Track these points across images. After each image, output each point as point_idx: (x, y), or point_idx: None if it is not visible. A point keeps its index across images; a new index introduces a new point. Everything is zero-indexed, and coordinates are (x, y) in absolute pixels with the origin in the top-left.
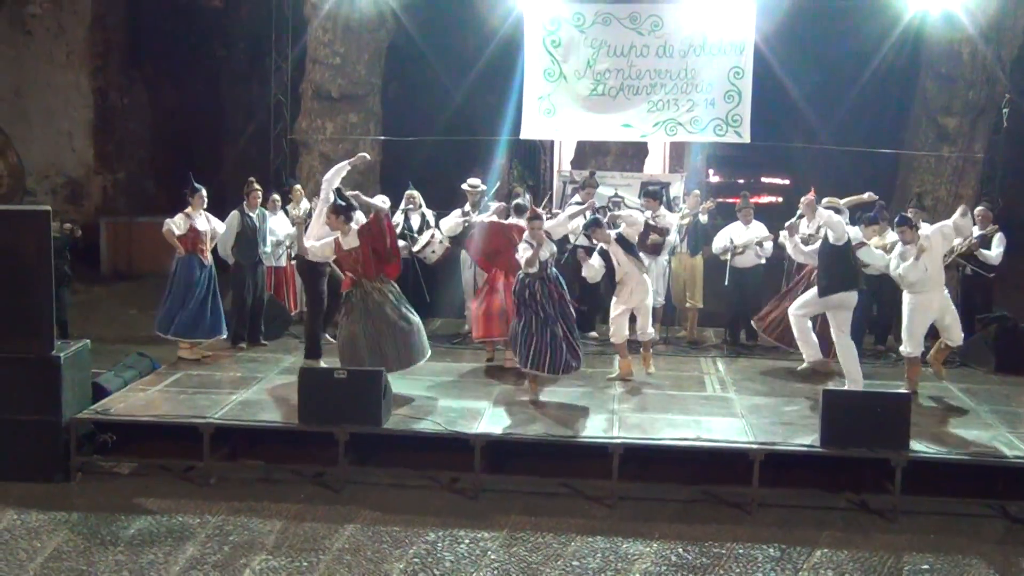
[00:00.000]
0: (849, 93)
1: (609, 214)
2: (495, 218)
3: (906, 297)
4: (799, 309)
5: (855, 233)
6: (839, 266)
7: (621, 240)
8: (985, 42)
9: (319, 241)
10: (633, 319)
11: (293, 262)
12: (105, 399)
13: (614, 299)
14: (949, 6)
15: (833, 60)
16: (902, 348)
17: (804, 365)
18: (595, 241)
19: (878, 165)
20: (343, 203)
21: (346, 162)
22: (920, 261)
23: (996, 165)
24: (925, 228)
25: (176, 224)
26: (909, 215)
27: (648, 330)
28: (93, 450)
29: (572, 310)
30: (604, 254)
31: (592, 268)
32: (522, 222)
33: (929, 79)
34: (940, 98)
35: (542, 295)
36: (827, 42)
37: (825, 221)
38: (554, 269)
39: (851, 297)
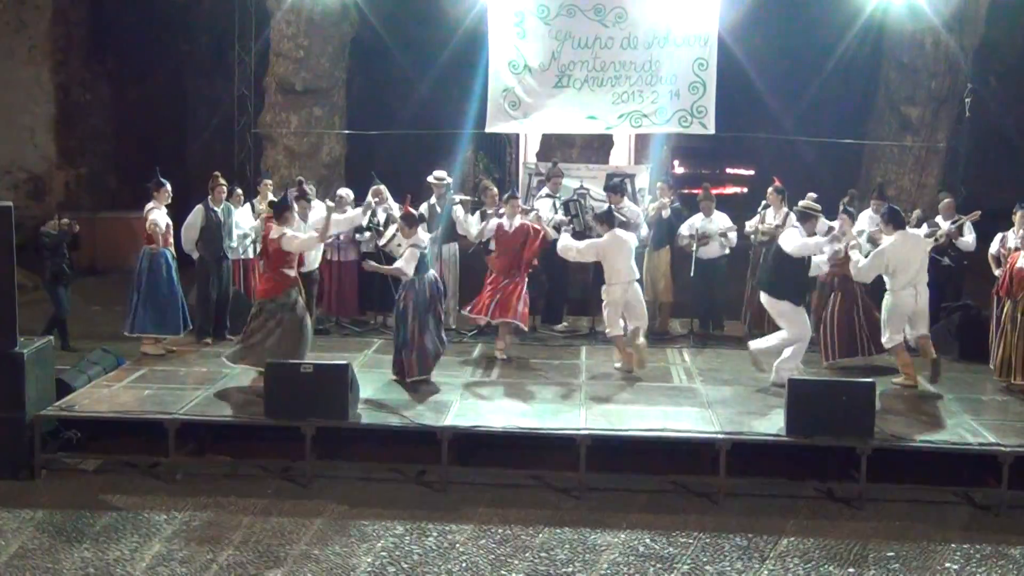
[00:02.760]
0: (813, 84)
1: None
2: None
3: (891, 294)
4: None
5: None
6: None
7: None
8: (947, 32)
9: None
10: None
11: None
12: (69, 395)
13: (604, 299)
14: None
15: (797, 51)
16: (884, 340)
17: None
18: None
19: (842, 155)
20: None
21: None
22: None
23: (959, 154)
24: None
25: (162, 219)
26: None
27: (643, 317)
28: (58, 447)
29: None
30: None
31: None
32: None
33: (892, 69)
34: (903, 88)
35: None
36: (791, 33)
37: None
38: (432, 272)
39: (781, 305)
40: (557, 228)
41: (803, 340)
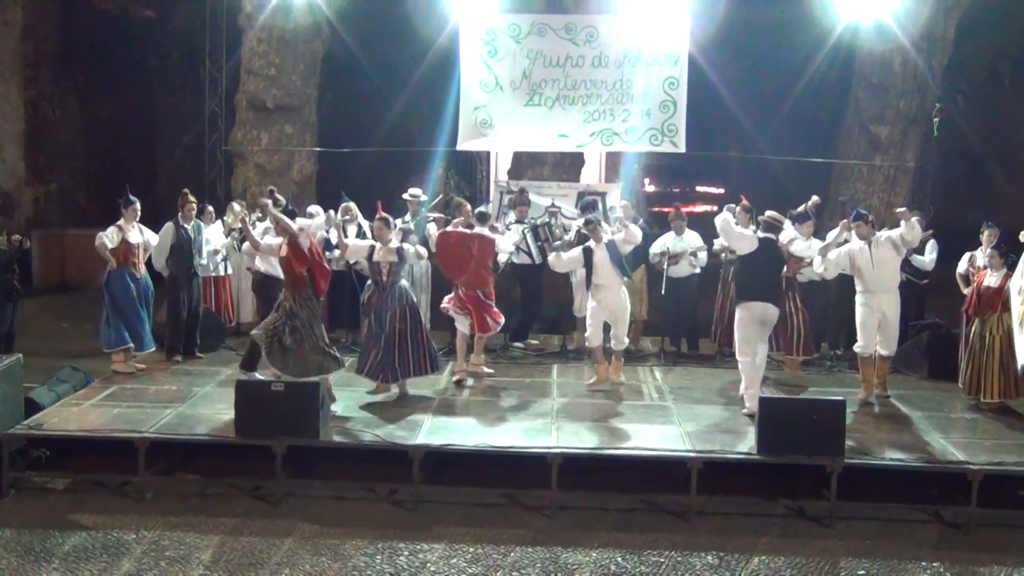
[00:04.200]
0: (783, 103)
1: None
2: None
3: (858, 297)
4: (745, 348)
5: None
6: (762, 277)
7: (611, 246)
8: (916, 52)
9: (274, 240)
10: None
11: (230, 273)
12: (38, 414)
13: (590, 304)
14: (881, 16)
15: (767, 70)
16: (856, 346)
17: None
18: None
19: (812, 174)
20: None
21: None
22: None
23: (927, 173)
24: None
25: (108, 237)
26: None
27: (623, 339)
28: (26, 466)
29: (414, 325)
30: (587, 253)
31: (562, 260)
32: (485, 230)
33: (861, 89)
34: (872, 107)
35: (379, 307)
36: (761, 53)
37: (720, 228)
38: (404, 282)
39: (772, 310)
40: (528, 252)
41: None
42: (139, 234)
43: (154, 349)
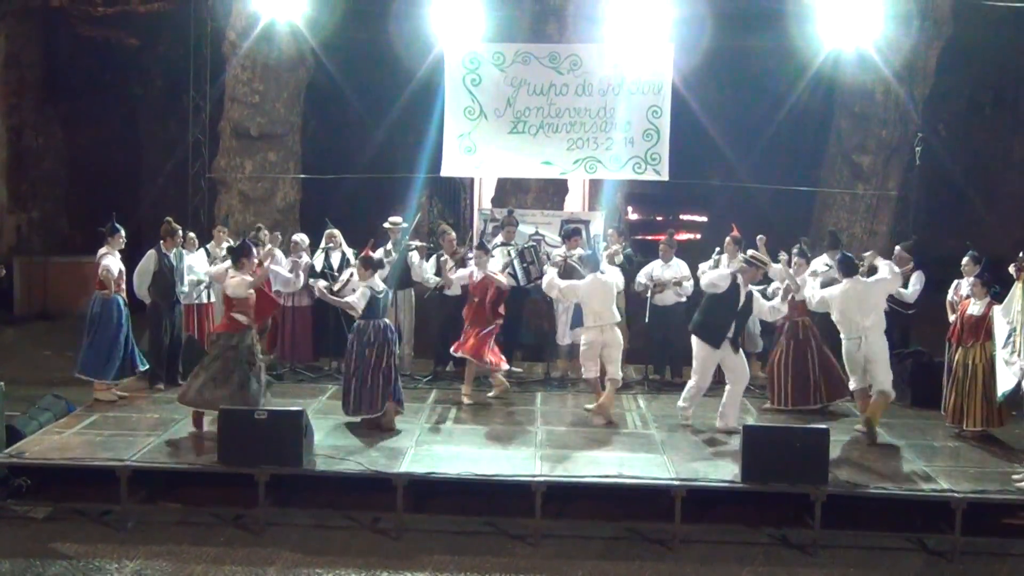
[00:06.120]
0: (766, 132)
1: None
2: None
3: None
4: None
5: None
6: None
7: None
8: (898, 82)
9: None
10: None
11: (212, 301)
12: (19, 442)
13: (583, 336)
14: (863, 46)
15: (750, 99)
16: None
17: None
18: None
19: (795, 202)
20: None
21: None
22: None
23: (909, 202)
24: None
25: (115, 265)
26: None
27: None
28: (7, 494)
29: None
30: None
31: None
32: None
33: (844, 118)
34: (854, 137)
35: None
36: (744, 82)
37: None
38: (385, 321)
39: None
40: (514, 275)
41: (698, 387)
42: (119, 261)
43: (146, 368)
